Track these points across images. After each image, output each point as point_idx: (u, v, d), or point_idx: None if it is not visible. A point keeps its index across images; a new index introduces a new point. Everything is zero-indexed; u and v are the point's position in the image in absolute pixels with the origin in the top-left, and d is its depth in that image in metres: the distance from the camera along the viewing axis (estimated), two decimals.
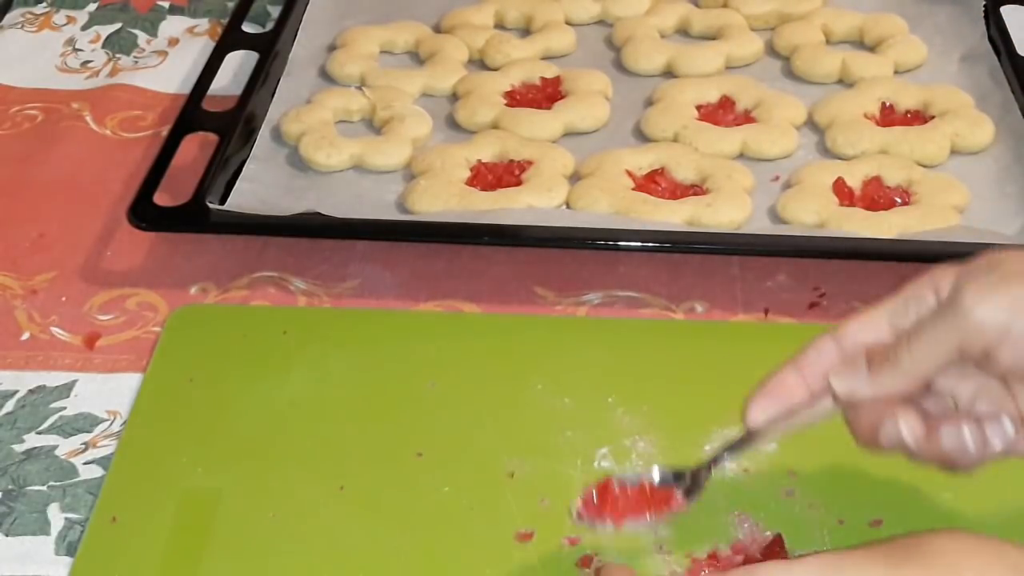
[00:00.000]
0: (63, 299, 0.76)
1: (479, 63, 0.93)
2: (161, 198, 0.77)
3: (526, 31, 0.97)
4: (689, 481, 0.54)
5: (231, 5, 0.99)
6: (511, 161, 0.82)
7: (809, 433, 0.64)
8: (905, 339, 0.49)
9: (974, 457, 0.49)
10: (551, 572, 0.58)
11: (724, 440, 0.64)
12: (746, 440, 0.53)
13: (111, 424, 0.67)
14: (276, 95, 0.89)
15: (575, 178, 0.81)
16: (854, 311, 0.72)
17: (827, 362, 0.51)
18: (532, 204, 0.77)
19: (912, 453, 0.50)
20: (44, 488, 0.64)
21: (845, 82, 0.90)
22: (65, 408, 0.69)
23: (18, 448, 0.66)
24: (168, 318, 0.73)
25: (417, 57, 0.94)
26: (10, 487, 0.64)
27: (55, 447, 0.66)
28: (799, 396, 0.52)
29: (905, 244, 0.73)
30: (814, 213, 0.76)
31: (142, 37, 1.00)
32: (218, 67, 0.89)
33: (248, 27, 0.95)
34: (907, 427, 0.49)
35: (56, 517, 0.62)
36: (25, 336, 0.73)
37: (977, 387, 0.50)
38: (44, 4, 1.04)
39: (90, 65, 0.97)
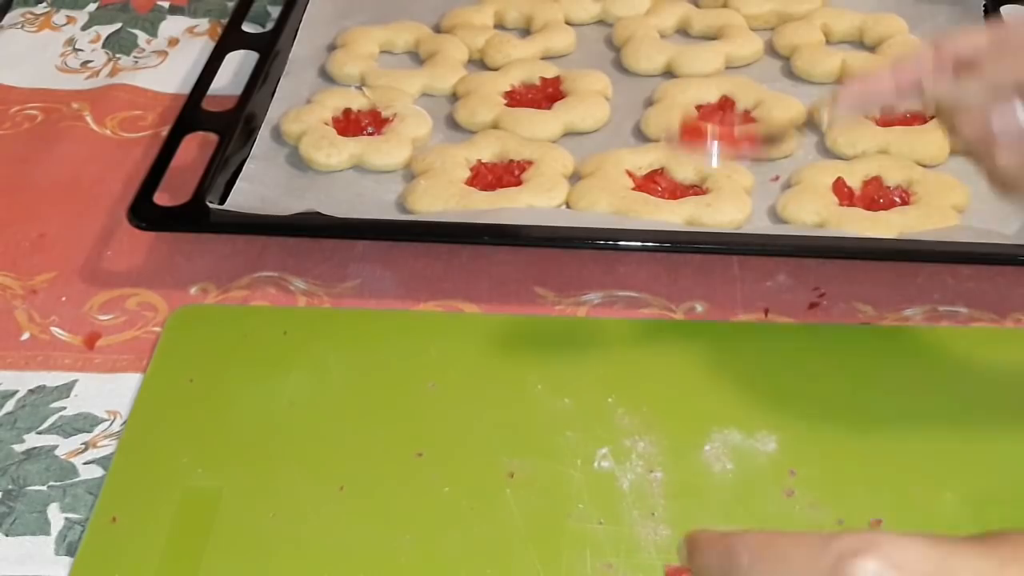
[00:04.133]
0: (63, 299, 0.76)
1: (479, 63, 0.93)
2: (161, 198, 0.77)
3: (526, 31, 0.97)
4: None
5: (231, 5, 0.99)
6: (511, 161, 0.82)
7: (809, 433, 0.64)
8: (995, 55, 0.56)
9: None
10: (551, 572, 0.58)
11: (724, 442, 0.64)
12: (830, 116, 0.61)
13: (111, 424, 0.68)
14: (276, 95, 0.88)
15: (575, 178, 0.81)
16: (854, 311, 0.73)
17: (922, 67, 0.58)
18: (532, 204, 0.77)
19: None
20: (44, 488, 0.64)
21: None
22: (65, 408, 0.69)
23: (18, 448, 0.66)
24: (168, 318, 0.73)
25: (417, 57, 0.94)
26: (10, 487, 0.64)
27: (55, 447, 0.66)
28: (887, 90, 0.59)
29: (905, 244, 0.73)
30: (814, 213, 0.76)
31: (142, 37, 1.00)
32: (218, 67, 0.89)
33: (248, 27, 0.95)
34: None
35: (56, 517, 0.63)
36: (25, 336, 0.73)
37: None
38: (44, 4, 1.04)
39: (90, 65, 0.97)
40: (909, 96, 0.59)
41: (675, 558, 0.58)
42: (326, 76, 0.92)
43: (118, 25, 1.01)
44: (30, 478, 0.64)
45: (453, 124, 0.87)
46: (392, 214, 0.79)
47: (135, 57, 0.98)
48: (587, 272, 0.76)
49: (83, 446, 0.66)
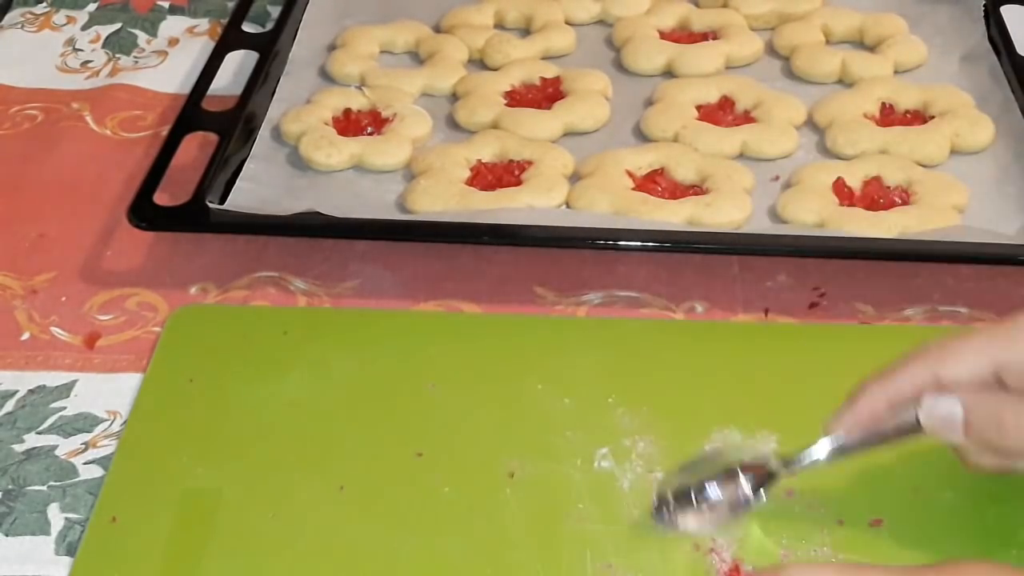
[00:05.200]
0: (63, 299, 0.76)
1: (479, 63, 0.93)
2: (161, 198, 0.77)
3: (526, 31, 0.97)
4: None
5: (231, 5, 0.99)
6: (511, 161, 0.82)
7: (809, 433, 0.64)
8: (1012, 426, 0.53)
9: None
10: (551, 572, 0.58)
11: (724, 442, 0.64)
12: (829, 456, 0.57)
13: (111, 424, 0.67)
14: (276, 95, 0.89)
15: (575, 178, 0.81)
16: (854, 311, 0.73)
17: (918, 387, 0.55)
18: (532, 204, 0.77)
19: None
20: (44, 488, 0.64)
21: (845, 82, 0.90)
22: (65, 408, 0.69)
23: (18, 448, 0.66)
24: (168, 318, 0.73)
25: (417, 57, 0.95)
26: (10, 487, 0.64)
27: (55, 447, 0.66)
28: (883, 418, 0.56)
29: (905, 244, 0.73)
30: (814, 213, 0.76)
31: (142, 37, 1.00)
32: (218, 67, 0.89)
33: (248, 27, 0.95)
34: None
35: (56, 517, 0.62)
36: (25, 336, 0.73)
37: None
38: (44, 4, 1.04)
39: (90, 65, 0.97)
40: (905, 419, 0.55)
41: (675, 557, 0.58)
42: (326, 76, 0.92)
43: (118, 25, 1.01)
44: (30, 478, 0.64)
45: (453, 124, 0.87)
46: (392, 214, 0.79)
47: (135, 57, 0.98)
48: (587, 272, 0.76)
49: (83, 446, 0.66)
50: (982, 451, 0.55)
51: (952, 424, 0.54)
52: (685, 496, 0.58)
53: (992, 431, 0.53)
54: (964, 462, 0.57)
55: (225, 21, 0.96)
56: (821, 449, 0.57)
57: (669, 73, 0.91)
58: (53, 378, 0.70)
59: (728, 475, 0.58)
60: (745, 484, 0.57)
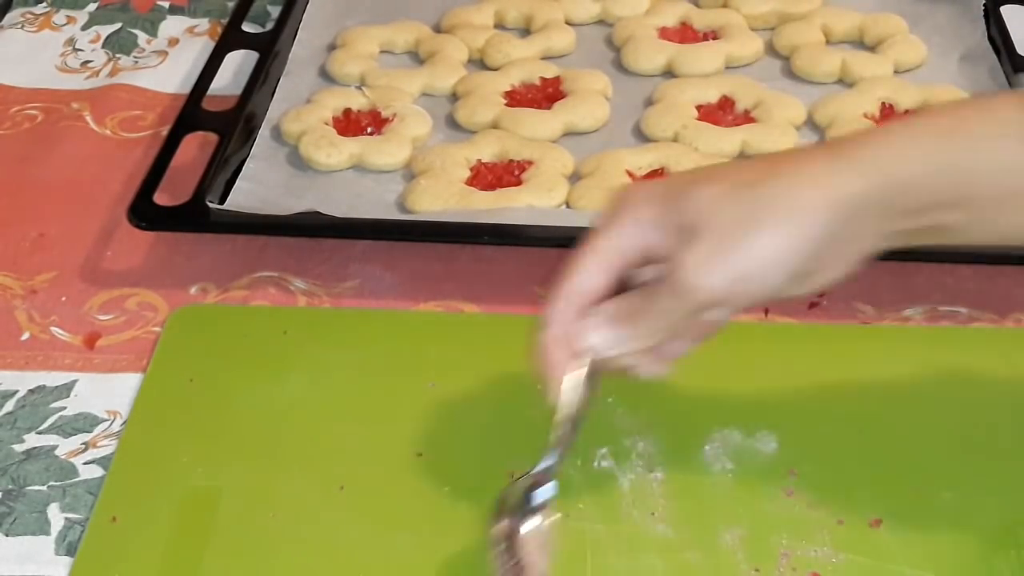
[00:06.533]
0: (63, 299, 0.76)
1: (479, 63, 0.93)
2: (161, 198, 0.77)
3: (526, 31, 0.97)
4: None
5: (231, 5, 0.99)
6: (511, 161, 0.82)
7: (809, 433, 0.64)
8: (641, 312, 0.54)
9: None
10: (552, 572, 0.58)
11: (724, 442, 0.64)
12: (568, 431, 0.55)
13: (111, 424, 0.68)
14: (276, 95, 0.89)
15: (575, 178, 0.81)
16: (854, 311, 0.73)
17: (569, 322, 0.56)
18: (532, 204, 0.77)
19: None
20: (44, 488, 0.64)
21: (845, 82, 0.90)
22: (65, 408, 0.69)
23: (18, 448, 0.66)
24: (168, 318, 0.73)
25: (417, 57, 0.95)
26: (10, 487, 0.64)
27: (55, 447, 0.66)
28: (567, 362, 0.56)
29: None
30: None
31: (142, 37, 1.00)
32: (218, 67, 0.89)
33: (248, 27, 0.95)
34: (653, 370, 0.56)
35: (56, 517, 0.62)
36: (25, 336, 0.73)
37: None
38: (44, 4, 1.04)
39: (90, 65, 0.97)
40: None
41: (676, 558, 0.58)
42: (326, 76, 0.92)
43: (118, 25, 1.01)
44: (30, 478, 0.64)
45: (453, 124, 0.87)
46: (392, 214, 0.79)
47: (135, 57, 0.98)
48: None
49: (83, 446, 0.66)
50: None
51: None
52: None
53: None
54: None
55: (225, 21, 0.96)
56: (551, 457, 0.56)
57: (669, 73, 0.91)
58: (53, 378, 0.70)
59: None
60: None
